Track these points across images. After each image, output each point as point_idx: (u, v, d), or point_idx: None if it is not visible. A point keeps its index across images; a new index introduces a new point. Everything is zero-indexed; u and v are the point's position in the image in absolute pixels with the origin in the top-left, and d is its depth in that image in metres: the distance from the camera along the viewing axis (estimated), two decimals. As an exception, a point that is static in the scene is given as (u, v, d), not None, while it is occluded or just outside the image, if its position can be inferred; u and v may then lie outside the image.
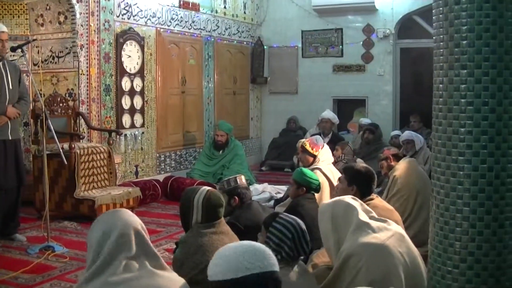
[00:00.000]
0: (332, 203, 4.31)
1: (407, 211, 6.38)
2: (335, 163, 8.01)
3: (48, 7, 9.66)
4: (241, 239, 4.35)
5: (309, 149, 7.37)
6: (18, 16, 9.84)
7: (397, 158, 7.05)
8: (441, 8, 3.54)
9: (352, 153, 10.15)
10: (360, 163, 6.18)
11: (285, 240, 3.87)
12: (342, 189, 5.45)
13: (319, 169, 7.13)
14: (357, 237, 4.11)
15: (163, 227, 8.33)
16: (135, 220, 3.18)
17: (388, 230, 4.19)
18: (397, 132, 11.28)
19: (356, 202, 4.30)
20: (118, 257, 3.00)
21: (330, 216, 4.24)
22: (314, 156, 7.35)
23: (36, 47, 9.75)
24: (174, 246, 5.23)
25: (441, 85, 3.56)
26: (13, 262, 6.65)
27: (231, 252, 2.68)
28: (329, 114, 12.26)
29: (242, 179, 5.77)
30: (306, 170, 6.27)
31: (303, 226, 4.01)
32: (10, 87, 7.36)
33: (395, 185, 6.63)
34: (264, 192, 9.87)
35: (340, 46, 13.96)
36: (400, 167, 6.80)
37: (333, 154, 8.33)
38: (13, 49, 7.35)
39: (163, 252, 7.01)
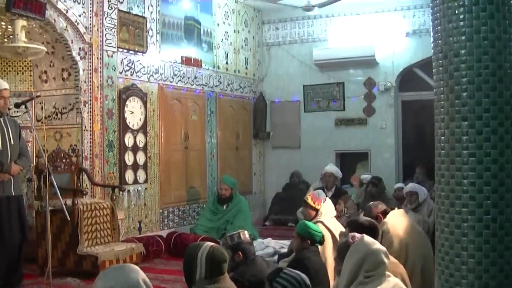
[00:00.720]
0: (371, 249, 4.26)
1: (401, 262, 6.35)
2: (338, 217, 7.98)
3: (52, 64, 9.75)
4: (245, 295, 4.33)
5: (311, 203, 7.37)
6: (22, 73, 9.91)
7: (386, 214, 7.03)
8: (440, 61, 3.58)
9: (355, 206, 10.13)
10: (364, 217, 6.17)
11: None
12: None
13: (322, 222, 7.12)
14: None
15: (167, 283, 8.27)
16: (138, 277, 3.12)
17: (388, 283, 4.17)
18: (400, 184, 11.25)
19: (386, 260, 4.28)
20: None
21: (361, 259, 4.21)
22: (317, 210, 7.35)
23: (40, 103, 9.81)
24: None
25: (442, 137, 3.57)
26: (16, 319, 6.61)
27: None
28: (332, 168, 12.24)
29: (245, 235, 5.76)
30: (309, 223, 6.25)
31: (308, 281, 3.99)
32: (12, 142, 7.42)
33: (386, 239, 6.60)
34: (267, 247, 9.83)
35: (342, 100, 14.02)
36: (388, 221, 6.80)
37: (335, 208, 8.31)
38: (17, 105, 7.43)
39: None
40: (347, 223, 5.91)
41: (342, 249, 4.70)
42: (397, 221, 6.81)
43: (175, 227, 11.60)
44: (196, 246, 4.35)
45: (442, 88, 3.58)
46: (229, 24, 13.64)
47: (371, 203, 7.42)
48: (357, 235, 4.75)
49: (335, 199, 9.43)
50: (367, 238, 4.40)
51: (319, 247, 6.22)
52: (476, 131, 3.39)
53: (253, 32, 14.62)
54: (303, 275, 4.02)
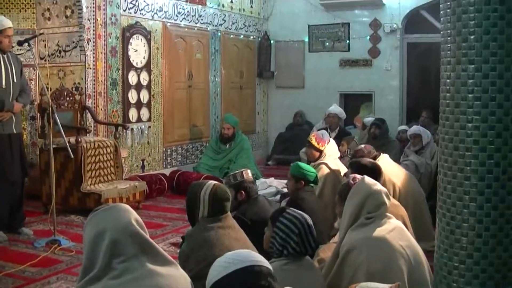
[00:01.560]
0: (372, 190, 4.27)
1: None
2: (340, 158, 7.98)
3: (55, 1, 9.67)
4: (247, 233, 4.36)
5: (315, 144, 7.35)
6: (25, 10, 9.83)
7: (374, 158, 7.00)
8: (448, 3, 3.53)
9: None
10: (367, 158, 6.17)
11: (291, 236, 3.87)
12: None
13: (325, 163, 7.13)
14: (358, 232, 4.12)
15: (169, 221, 8.33)
16: (130, 217, 3.01)
17: (389, 224, 4.20)
18: (404, 127, 11.23)
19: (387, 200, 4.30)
20: (114, 261, 2.90)
21: (362, 200, 4.23)
22: (320, 151, 7.33)
23: (43, 41, 9.75)
24: (180, 241, 5.23)
25: (448, 80, 3.55)
26: (20, 255, 6.69)
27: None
28: (336, 109, 12.21)
29: (248, 174, 5.77)
30: (302, 164, 6.30)
31: (310, 222, 4.01)
32: (15, 80, 7.39)
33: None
34: (270, 186, 9.86)
35: (347, 41, 13.90)
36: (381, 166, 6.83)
37: (339, 149, 8.32)
38: (20, 43, 7.39)
39: (169, 246, 7.03)
40: (349, 164, 5.91)
41: (343, 191, 4.72)
42: (389, 167, 6.82)
43: (178, 165, 11.65)
44: (199, 184, 4.36)
45: (449, 31, 3.54)
46: (234, -38, 13.48)
47: (362, 146, 7.39)
48: (358, 176, 4.76)
49: (338, 140, 9.42)
50: (367, 179, 4.41)
51: (318, 187, 6.25)
52: (482, 75, 3.36)
53: (259, -30, 14.45)
54: (306, 216, 4.04)
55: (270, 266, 2.64)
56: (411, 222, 5.64)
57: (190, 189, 4.38)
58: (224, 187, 4.43)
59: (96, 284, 2.87)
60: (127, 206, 3.11)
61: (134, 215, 3.05)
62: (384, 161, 6.87)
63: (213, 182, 4.37)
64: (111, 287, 2.85)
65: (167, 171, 10.94)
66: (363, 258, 3.98)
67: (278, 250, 3.91)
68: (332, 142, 7.55)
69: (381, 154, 7.13)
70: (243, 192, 5.61)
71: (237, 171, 5.84)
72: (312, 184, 6.13)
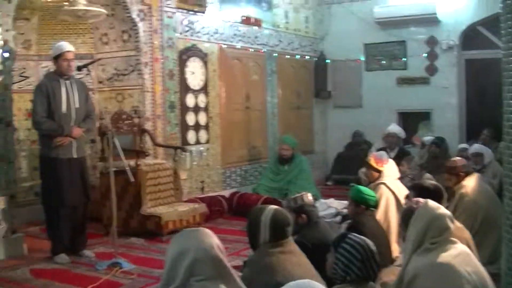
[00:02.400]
0: (435, 214, 4.19)
1: (474, 229, 6.24)
2: (401, 178, 7.87)
3: (112, 26, 9.79)
4: (308, 257, 4.31)
5: (374, 164, 7.26)
6: (83, 35, 9.98)
7: (466, 173, 6.90)
8: (510, 21, 3.46)
9: (419, 168, 9.98)
10: (428, 180, 6.07)
11: (353, 261, 3.81)
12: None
13: (384, 184, 7.03)
14: (423, 258, 4.04)
15: (230, 244, 8.27)
16: (212, 242, 3.16)
17: (454, 249, 4.11)
18: (464, 145, 11.04)
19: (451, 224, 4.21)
20: (191, 279, 3.03)
21: (426, 225, 4.15)
22: (379, 172, 7.24)
23: (101, 65, 9.87)
24: (241, 264, 5.20)
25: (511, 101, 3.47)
26: (82, 278, 6.73)
27: None
28: (395, 128, 12.07)
29: (308, 197, 5.71)
30: (362, 187, 6.19)
31: (373, 247, 3.95)
32: (77, 105, 7.45)
33: (462, 203, 6.51)
34: (330, 207, 9.77)
35: (404, 59, 13.81)
36: (468, 184, 6.68)
37: (399, 169, 8.22)
38: (79, 68, 7.49)
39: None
40: (411, 186, 5.81)
41: (406, 215, 4.63)
42: (474, 185, 6.70)
43: (237, 187, 11.65)
44: (259, 210, 4.33)
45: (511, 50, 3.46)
46: (289, -18, 13.49)
47: (457, 158, 7.30)
48: (421, 200, 4.67)
49: (397, 160, 9.31)
50: (431, 203, 4.32)
51: (381, 209, 6.16)
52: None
53: (313, -10, 14.44)
54: (368, 241, 3.98)
55: None
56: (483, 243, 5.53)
57: (250, 215, 4.35)
58: (285, 212, 4.39)
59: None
60: (210, 231, 3.25)
61: (216, 240, 3.20)
62: (473, 180, 6.76)
63: (274, 207, 4.33)
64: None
65: (226, 193, 10.95)
66: (429, 285, 3.90)
67: (341, 276, 3.85)
68: (391, 162, 7.45)
69: (475, 172, 7.05)
70: (304, 216, 5.56)
71: (297, 195, 5.78)
72: (372, 208, 6.05)
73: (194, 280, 3.01)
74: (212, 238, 3.18)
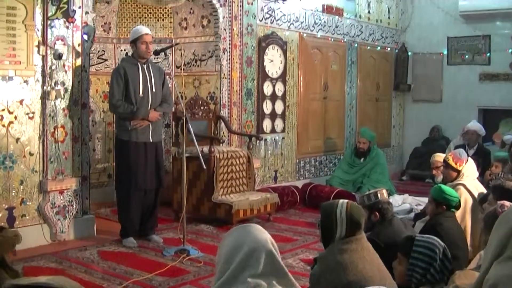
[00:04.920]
0: None
1: None
2: (491, 180, 7.58)
3: (192, 11, 9.76)
4: (380, 256, 4.16)
5: (453, 164, 6.96)
6: (163, 20, 9.99)
7: None
8: None
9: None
10: (509, 182, 5.79)
11: (432, 263, 3.65)
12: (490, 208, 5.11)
13: (463, 185, 6.73)
14: (504, 267, 3.83)
15: (300, 236, 8.17)
16: (266, 237, 3.08)
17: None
18: (548, 145, 10.68)
19: None
20: (245, 274, 2.92)
21: (510, 231, 3.93)
22: (458, 171, 6.96)
23: (179, 50, 9.86)
24: (311, 257, 5.07)
25: None
26: (149, 263, 6.73)
27: None
28: (475, 125, 11.74)
29: (383, 194, 5.48)
30: (444, 187, 5.92)
31: (442, 243, 3.78)
32: (154, 89, 7.46)
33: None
34: (404, 203, 9.56)
35: (488, 54, 13.43)
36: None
37: (491, 170, 7.95)
38: (156, 53, 7.46)
39: (299, 262, 6.85)
40: (492, 188, 5.54)
41: (489, 219, 4.39)
42: None
43: (311, 177, 11.54)
44: (331, 204, 4.18)
45: None
46: (372, -28, 13.27)
47: None
48: (507, 203, 4.43)
49: (477, 158, 9.04)
50: None
51: (459, 211, 5.94)
52: None
53: (397, -19, 14.18)
54: (436, 238, 3.81)
55: None
56: None
57: (324, 210, 4.19)
58: (357, 205, 4.24)
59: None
60: (262, 228, 3.17)
61: (269, 236, 3.12)
62: None
63: (345, 200, 4.19)
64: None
65: (299, 183, 10.83)
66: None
67: (417, 279, 3.69)
68: (471, 162, 7.15)
69: None
70: (377, 213, 5.36)
71: (371, 191, 5.58)
72: (453, 209, 5.82)
73: (249, 275, 2.92)
74: (266, 234, 3.11)
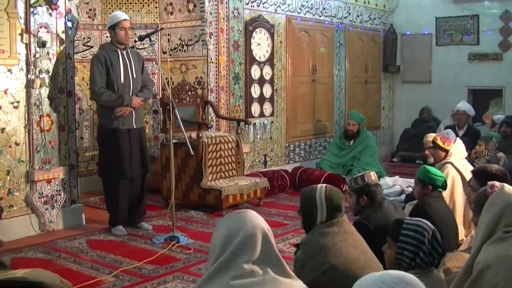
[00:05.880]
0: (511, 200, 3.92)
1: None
2: (475, 159, 7.58)
3: (177, -5, 9.68)
4: (369, 240, 4.12)
5: (441, 144, 6.98)
6: (148, 5, 9.90)
7: None
8: None
9: (496, 150, 9.62)
10: (494, 165, 5.71)
11: (421, 246, 3.59)
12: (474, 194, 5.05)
13: (451, 163, 6.76)
14: (495, 248, 3.79)
15: (290, 220, 8.14)
16: (263, 224, 3.01)
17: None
18: (538, 124, 10.66)
19: None
20: (240, 259, 2.87)
21: (500, 212, 3.89)
22: (446, 151, 6.97)
23: (166, 35, 9.78)
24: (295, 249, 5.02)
25: None
26: (138, 251, 6.70)
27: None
28: (464, 106, 11.74)
29: (371, 176, 5.37)
30: (429, 168, 5.90)
31: (432, 225, 3.73)
32: (134, 76, 7.42)
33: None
34: (394, 185, 9.54)
35: (476, 34, 13.38)
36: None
37: (475, 149, 7.94)
38: (141, 38, 7.38)
39: (289, 247, 6.81)
40: (473, 172, 5.46)
41: (479, 200, 4.34)
42: None
43: (301, 161, 11.51)
44: (310, 189, 4.16)
45: None
46: (360, -47, 13.20)
47: None
48: (497, 184, 4.37)
49: (466, 138, 9.04)
50: (507, 188, 4.04)
51: (447, 189, 5.90)
52: None
53: (384, -39, 14.12)
54: (425, 220, 3.76)
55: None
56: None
57: (303, 196, 4.18)
58: (335, 188, 4.20)
59: (215, 281, 2.87)
60: (258, 215, 3.09)
61: (265, 223, 3.05)
62: None
63: (324, 184, 4.18)
64: (233, 287, 2.82)
65: (289, 167, 10.79)
66: (500, 278, 3.65)
67: (407, 263, 3.63)
68: (459, 141, 7.15)
69: None
70: (365, 197, 5.28)
71: (358, 174, 5.51)
72: (440, 189, 5.79)
73: (243, 261, 2.86)
74: (262, 220, 3.04)
